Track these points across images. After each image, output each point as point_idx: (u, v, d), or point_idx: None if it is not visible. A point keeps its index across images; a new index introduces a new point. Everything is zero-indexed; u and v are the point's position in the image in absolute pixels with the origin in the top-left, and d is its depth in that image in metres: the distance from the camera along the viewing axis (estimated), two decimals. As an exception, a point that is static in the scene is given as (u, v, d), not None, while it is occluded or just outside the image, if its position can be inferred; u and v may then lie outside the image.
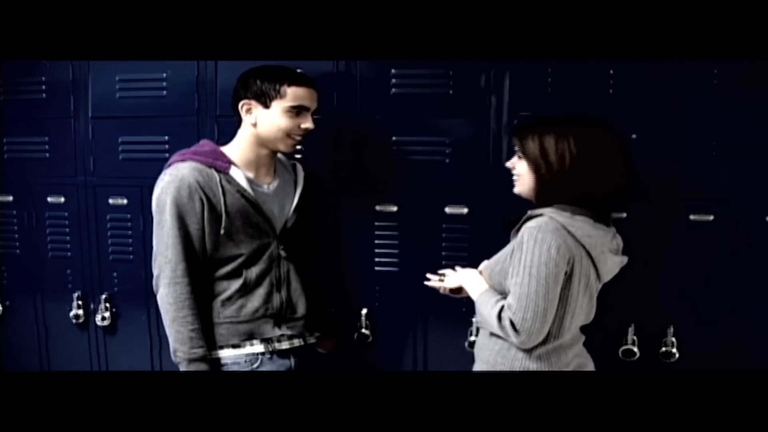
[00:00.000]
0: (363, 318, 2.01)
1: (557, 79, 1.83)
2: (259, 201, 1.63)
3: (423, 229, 1.96)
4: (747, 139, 1.77)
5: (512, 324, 1.39)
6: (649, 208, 1.81)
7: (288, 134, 1.63)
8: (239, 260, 1.63)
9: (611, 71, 1.81)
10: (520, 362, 1.45)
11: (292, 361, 1.68)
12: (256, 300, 1.64)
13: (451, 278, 1.65)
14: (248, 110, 1.63)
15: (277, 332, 1.67)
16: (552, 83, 1.84)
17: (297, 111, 1.61)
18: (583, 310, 1.48)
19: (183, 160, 1.60)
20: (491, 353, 1.50)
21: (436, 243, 1.96)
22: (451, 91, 1.90)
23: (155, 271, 1.59)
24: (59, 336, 2.26)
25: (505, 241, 1.54)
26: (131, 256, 2.14)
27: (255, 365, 1.63)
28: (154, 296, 1.61)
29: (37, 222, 2.22)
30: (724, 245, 1.80)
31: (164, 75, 2.04)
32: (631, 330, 1.85)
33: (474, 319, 1.90)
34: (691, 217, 1.81)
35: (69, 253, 2.20)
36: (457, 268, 1.66)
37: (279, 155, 1.75)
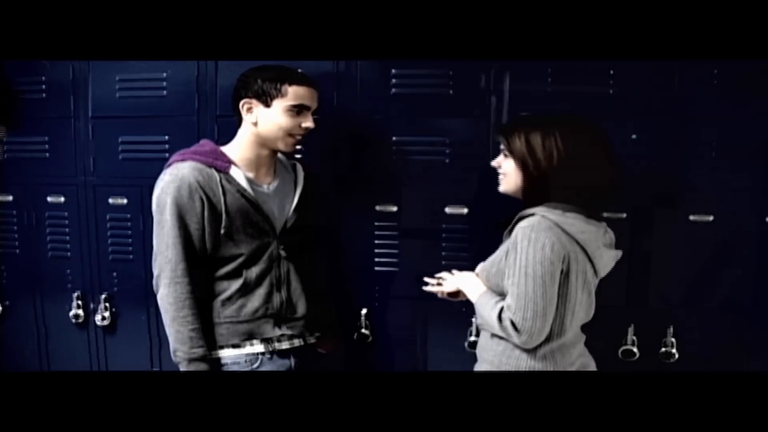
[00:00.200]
0: (363, 318, 2.02)
1: (557, 79, 1.83)
2: (259, 201, 1.63)
3: (423, 229, 1.96)
4: (747, 139, 1.77)
5: (513, 324, 1.39)
6: (649, 208, 1.81)
7: (289, 133, 1.63)
8: (239, 260, 1.63)
9: (611, 71, 1.81)
10: (525, 362, 1.45)
11: (292, 361, 1.68)
12: (256, 300, 1.64)
13: (448, 282, 1.65)
14: (249, 109, 1.63)
15: (277, 332, 1.66)
16: (552, 83, 1.84)
17: (298, 110, 1.62)
18: (582, 306, 1.48)
19: (183, 160, 1.60)
20: (495, 354, 1.50)
21: (435, 243, 1.96)
22: (451, 91, 1.90)
23: (155, 271, 1.59)
24: (59, 336, 2.25)
25: (505, 241, 1.55)
26: (131, 256, 2.14)
27: (255, 365, 1.63)
28: (154, 296, 1.60)
29: (37, 222, 2.21)
30: (724, 245, 1.80)
31: (164, 75, 2.04)
32: (631, 330, 1.85)
33: (474, 320, 1.90)
34: (691, 217, 1.81)
35: (69, 253, 2.19)
36: (454, 271, 1.66)
37: (279, 155, 1.75)
